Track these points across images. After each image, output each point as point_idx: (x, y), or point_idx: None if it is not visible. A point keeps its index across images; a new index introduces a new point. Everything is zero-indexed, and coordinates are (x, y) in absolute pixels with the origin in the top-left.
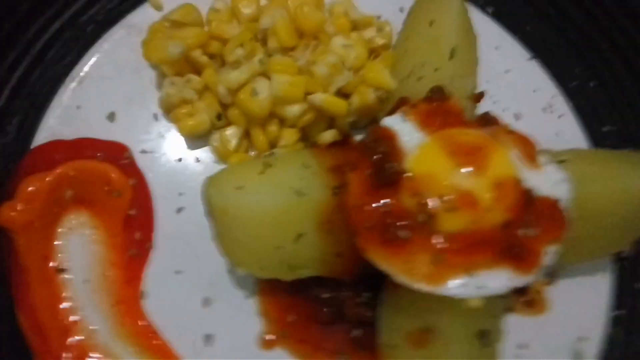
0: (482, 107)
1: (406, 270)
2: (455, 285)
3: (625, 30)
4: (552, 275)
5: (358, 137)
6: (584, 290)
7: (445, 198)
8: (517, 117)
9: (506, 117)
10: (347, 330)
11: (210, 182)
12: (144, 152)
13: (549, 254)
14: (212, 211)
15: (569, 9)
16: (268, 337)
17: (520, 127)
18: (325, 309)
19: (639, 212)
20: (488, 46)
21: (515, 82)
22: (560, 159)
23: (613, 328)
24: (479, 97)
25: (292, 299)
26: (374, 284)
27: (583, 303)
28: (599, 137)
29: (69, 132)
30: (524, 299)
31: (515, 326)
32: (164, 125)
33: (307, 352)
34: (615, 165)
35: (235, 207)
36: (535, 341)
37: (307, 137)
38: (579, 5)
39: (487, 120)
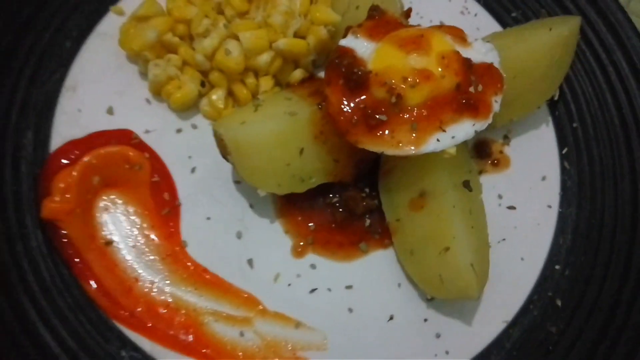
0: (412, 23)
1: (394, 144)
2: (434, 142)
3: None
4: (507, 136)
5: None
6: (534, 141)
7: (406, 79)
8: (441, 24)
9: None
10: (360, 222)
11: (218, 124)
12: (147, 132)
13: (496, 102)
14: (226, 146)
15: None
16: (298, 247)
17: None
18: (338, 211)
19: (553, 61)
20: None
21: None
22: (485, 40)
23: (566, 162)
24: (408, 12)
25: (309, 212)
26: (371, 178)
27: (537, 150)
28: (510, 22)
29: (79, 132)
30: (490, 160)
31: (491, 182)
32: (157, 106)
33: (333, 249)
34: (527, 31)
35: (245, 137)
36: (508, 190)
37: (280, 84)
38: None
39: None
